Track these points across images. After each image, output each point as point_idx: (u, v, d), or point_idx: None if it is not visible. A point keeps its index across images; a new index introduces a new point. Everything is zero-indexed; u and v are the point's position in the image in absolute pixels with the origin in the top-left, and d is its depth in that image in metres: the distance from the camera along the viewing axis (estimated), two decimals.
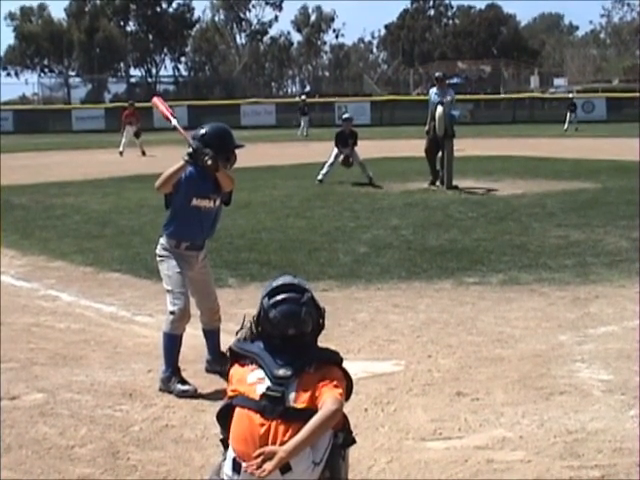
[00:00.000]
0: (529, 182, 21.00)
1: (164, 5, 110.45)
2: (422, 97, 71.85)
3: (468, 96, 63.92)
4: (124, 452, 5.61)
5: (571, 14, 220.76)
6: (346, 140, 22.61)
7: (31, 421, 6.14)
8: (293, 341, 4.53)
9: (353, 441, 4.65)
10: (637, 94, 62.69)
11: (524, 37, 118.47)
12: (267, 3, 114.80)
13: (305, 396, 4.37)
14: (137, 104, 40.17)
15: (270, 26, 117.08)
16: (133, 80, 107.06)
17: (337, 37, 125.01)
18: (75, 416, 6.24)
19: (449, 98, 20.64)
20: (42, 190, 21.48)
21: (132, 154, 34.63)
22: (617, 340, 7.91)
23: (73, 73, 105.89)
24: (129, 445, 5.72)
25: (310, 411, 4.33)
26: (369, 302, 9.42)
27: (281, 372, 4.43)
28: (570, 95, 55.35)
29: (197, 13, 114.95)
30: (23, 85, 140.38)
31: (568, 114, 50.56)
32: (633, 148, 30.87)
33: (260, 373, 4.46)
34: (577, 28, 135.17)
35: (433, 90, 21.21)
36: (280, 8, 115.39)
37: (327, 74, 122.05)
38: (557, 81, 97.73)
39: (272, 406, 4.36)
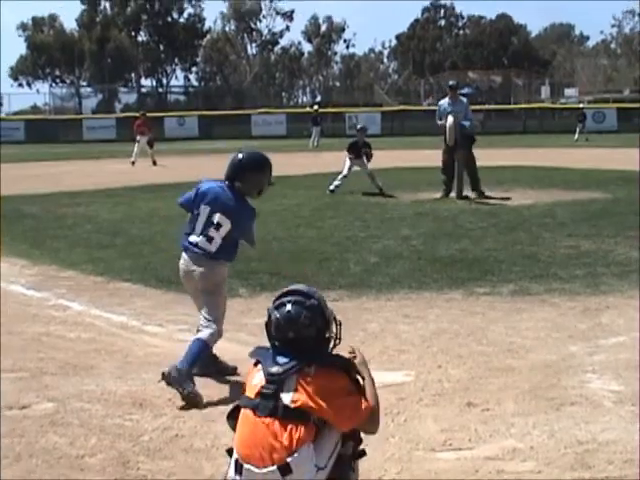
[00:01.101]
0: (539, 192, 20.98)
1: (175, 15, 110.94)
2: (433, 107, 72.17)
3: (479, 106, 63.94)
4: (134, 462, 5.61)
5: (582, 24, 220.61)
6: (359, 150, 22.63)
7: (41, 430, 6.14)
8: (294, 345, 4.55)
9: (363, 453, 4.66)
10: None
11: (535, 47, 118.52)
12: (278, 13, 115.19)
13: (301, 397, 4.40)
14: (148, 114, 40.23)
15: (281, 36, 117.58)
16: (144, 90, 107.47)
17: (348, 47, 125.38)
18: (85, 425, 6.24)
19: (462, 106, 20.70)
20: (53, 199, 21.53)
21: (144, 164, 34.73)
22: (628, 351, 7.88)
23: (84, 83, 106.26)
24: (139, 455, 5.72)
25: (306, 413, 4.37)
26: (379, 312, 9.41)
27: (274, 369, 4.49)
28: (580, 105, 55.27)
29: (208, 23, 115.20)
30: (35, 95, 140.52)
31: (578, 124, 50.56)
32: None
33: (262, 374, 4.54)
34: (588, 38, 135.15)
35: (445, 100, 21.19)
36: (291, 18, 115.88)
37: (338, 84, 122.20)
38: (568, 91, 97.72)
39: (265, 403, 4.41)
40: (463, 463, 5.50)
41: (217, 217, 7.27)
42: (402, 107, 74.33)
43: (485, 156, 31.86)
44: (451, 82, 22.95)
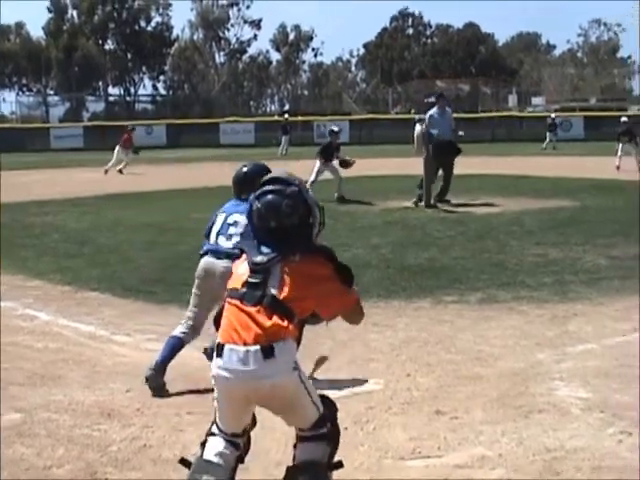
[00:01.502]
0: (507, 200, 21.04)
1: (143, 24, 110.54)
2: (401, 116, 72.45)
3: None
4: (102, 472, 5.57)
5: (548, 33, 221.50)
6: (332, 153, 22.66)
7: (8, 441, 6.09)
8: (277, 235, 4.53)
9: (340, 464, 4.67)
10: (614, 113, 63.11)
11: (502, 56, 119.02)
12: (246, 22, 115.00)
13: (287, 287, 4.42)
14: (115, 122, 40.13)
15: (249, 45, 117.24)
16: (112, 99, 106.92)
17: (316, 56, 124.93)
18: (53, 436, 6.20)
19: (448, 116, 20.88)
20: (21, 209, 21.42)
21: (111, 173, 34.58)
22: (596, 358, 7.92)
23: (51, 91, 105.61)
24: (107, 465, 5.68)
25: (292, 310, 4.40)
26: None
27: (259, 259, 4.49)
28: (553, 115, 55.57)
29: (176, 32, 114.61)
30: (1, 104, 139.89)
31: (548, 133, 50.82)
32: (611, 167, 31.07)
33: (247, 264, 4.55)
34: (554, 47, 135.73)
35: (435, 109, 21.32)
36: (259, 27, 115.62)
37: (306, 93, 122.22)
38: (535, 100, 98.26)
39: (252, 292, 4.42)
40: (432, 471, 5.50)
41: (233, 217, 7.54)
42: (370, 116, 74.37)
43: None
44: (439, 91, 23.10)
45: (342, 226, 16.89)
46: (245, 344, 4.36)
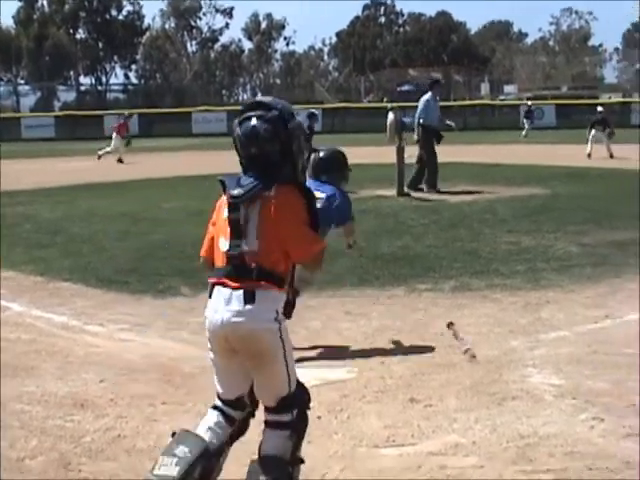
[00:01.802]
0: (480, 188, 21.08)
1: (114, 12, 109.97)
2: (374, 104, 72.39)
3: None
4: (75, 463, 5.55)
5: (520, 22, 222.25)
6: (311, 137, 22.66)
7: None
8: (259, 161, 4.49)
9: (302, 461, 4.64)
10: (586, 101, 63.36)
11: (474, 44, 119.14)
12: (217, 11, 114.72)
13: (263, 231, 4.41)
14: (87, 112, 39.91)
15: (221, 34, 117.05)
16: (83, 88, 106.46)
17: (288, 45, 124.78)
18: (25, 427, 6.16)
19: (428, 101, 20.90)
20: None
21: (83, 162, 34.42)
22: (568, 345, 7.96)
23: (22, 81, 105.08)
24: (81, 456, 5.66)
25: (270, 253, 4.41)
26: (322, 309, 9.40)
27: (236, 192, 4.46)
28: (529, 103, 55.63)
29: (147, 21, 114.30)
30: None
31: (525, 120, 50.90)
32: (582, 154, 31.18)
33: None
34: (526, 35, 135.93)
35: (429, 95, 21.33)
36: (231, 16, 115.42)
37: (278, 82, 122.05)
38: (507, 88, 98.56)
39: (234, 241, 4.46)
40: (406, 459, 5.51)
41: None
42: (343, 104, 74.32)
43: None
44: (434, 76, 23.14)
45: None
46: (230, 287, 4.40)
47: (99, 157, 34.62)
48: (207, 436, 4.56)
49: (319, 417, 6.21)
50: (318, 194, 7.63)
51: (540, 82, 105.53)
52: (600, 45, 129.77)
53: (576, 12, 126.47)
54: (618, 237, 13.54)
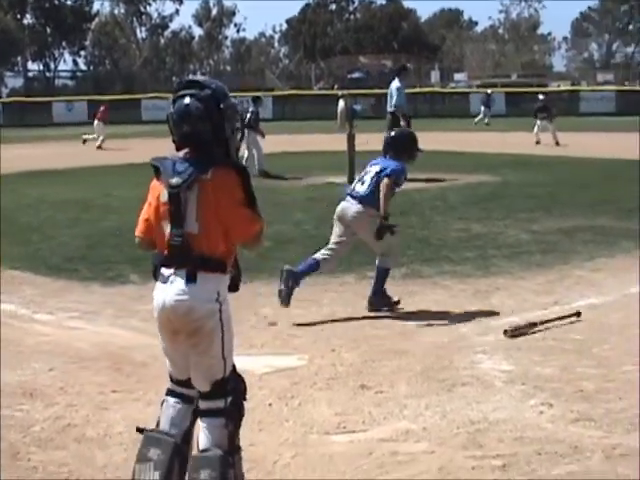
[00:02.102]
0: (431, 175, 21.13)
1: None
2: (324, 92, 72.39)
3: (369, 90, 64.38)
4: (25, 453, 5.51)
5: (470, 10, 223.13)
6: (257, 120, 22.67)
7: None
8: (192, 140, 4.51)
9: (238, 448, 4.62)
10: (534, 89, 63.78)
11: (424, 32, 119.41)
12: None
13: (204, 216, 4.43)
14: (35, 99, 39.47)
15: (171, 20, 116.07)
16: (31, 74, 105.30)
17: (238, 31, 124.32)
18: None
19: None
20: None
21: (31, 150, 34.09)
22: None
23: None
24: (30, 445, 5.62)
25: (211, 237, 4.45)
26: (273, 297, 9.37)
27: (174, 181, 4.45)
28: (489, 91, 55.75)
29: (96, 6, 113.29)
30: None
31: (483, 108, 51.00)
32: (531, 142, 31.43)
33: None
34: (476, 24, 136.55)
35: (397, 82, 21.29)
36: (181, 2, 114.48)
37: (229, 68, 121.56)
38: (457, 76, 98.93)
39: (175, 228, 4.47)
40: (357, 445, 5.53)
41: (371, 168, 9.34)
42: (293, 91, 74.26)
43: (377, 140, 32.14)
44: (403, 64, 23.07)
45: (265, 202, 16.78)
46: (173, 269, 4.45)
47: (84, 142, 34.64)
48: (173, 430, 4.56)
49: (270, 404, 6.22)
50: (373, 167, 9.26)
51: (490, 70, 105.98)
52: (549, 34, 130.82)
53: (525, 0, 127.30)
54: (567, 224, 13.67)
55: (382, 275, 9.19)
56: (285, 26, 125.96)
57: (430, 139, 31.31)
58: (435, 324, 8.34)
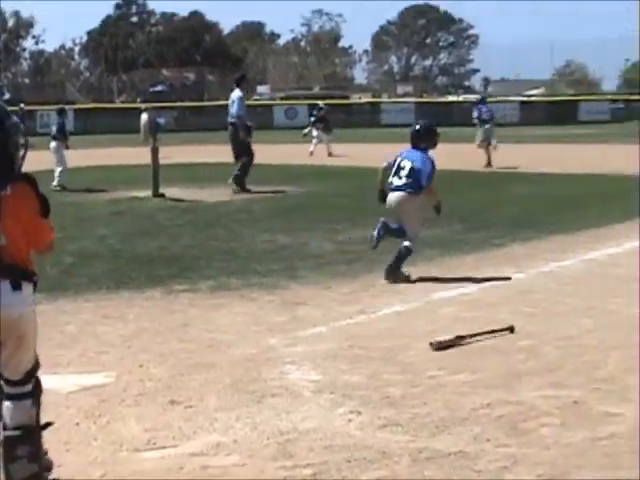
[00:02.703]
0: (236, 188, 21.15)
1: None
2: (127, 105, 71.62)
3: (172, 103, 64.15)
4: None
5: (272, 23, 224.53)
6: (64, 133, 22.41)
7: None
8: None
9: (49, 424, 4.97)
10: (337, 101, 64.86)
11: (227, 44, 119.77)
12: None
13: (9, 228, 4.64)
14: None
15: None
16: None
17: (37, 43, 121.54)
18: None
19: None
20: None
21: None
22: (325, 341, 8.12)
23: None
24: None
25: (20, 249, 4.73)
26: (77, 314, 9.21)
27: None
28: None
29: None
30: None
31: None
32: (332, 152, 31.93)
33: None
34: (279, 36, 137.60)
35: (239, 92, 21.17)
36: None
37: (27, 81, 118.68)
38: (260, 88, 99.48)
39: None
40: (168, 461, 5.48)
41: (403, 162, 10.98)
42: (95, 105, 73.23)
43: (180, 153, 32.01)
44: (242, 74, 23.06)
45: (67, 217, 16.48)
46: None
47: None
48: None
49: (77, 424, 6.09)
50: (405, 162, 10.93)
51: (293, 82, 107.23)
52: (350, 47, 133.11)
53: (327, 14, 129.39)
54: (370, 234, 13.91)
55: (405, 254, 10.76)
56: (86, 38, 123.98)
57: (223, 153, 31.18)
58: (243, 336, 8.34)
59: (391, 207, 11.12)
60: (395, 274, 10.60)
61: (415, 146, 11.12)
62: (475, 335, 7.99)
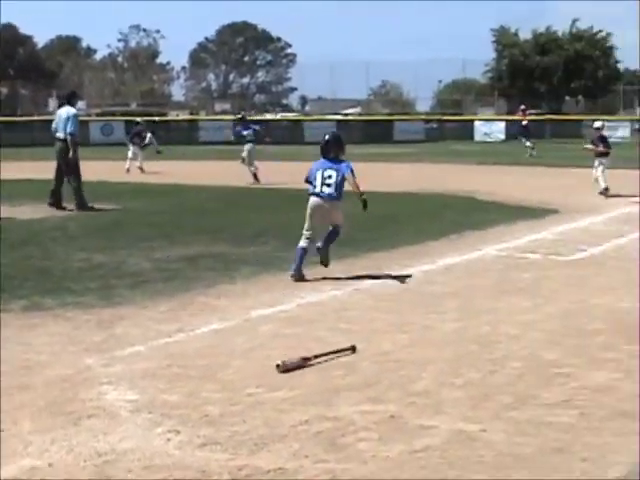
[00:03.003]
0: (46, 206, 20.67)
1: None
2: None
3: None
4: None
5: (89, 38, 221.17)
6: None
7: None
8: None
9: None
10: (158, 117, 64.51)
11: (42, 58, 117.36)
12: None
13: None
14: None
15: None
16: None
17: None
18: None
19: None
20: None
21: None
22: (143, 360, 8.05)
23: None
24: None
25: None
26: None
27: None
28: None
29: None
30: None
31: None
32: (148, 170, 31.67)
33: None
34: (95, 52, 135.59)
35: (71, 108, 20.69)
36: None
37: None
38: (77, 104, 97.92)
39: None
40: None
41: (327, 172, 11.98)
42: None
43: None
44: (73, 90, 22.69)
45: None
46: None
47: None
48: None
49: None
50: (330, 172, 11.96)
51: (109, 98, 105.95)
52: (168, 63, 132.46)
53: (144, 30, 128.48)
54: (188, 252, 13.90)
55: (334, 238, 12.17)
56: None
57: (44, 168, 30.70)
58: (58, 357, 8.18)
59: (323, 210, 12.06)
60: (327, 255, 12.13)
61: (325, 156, 12.18)
62: (319, 356, 8.04)
